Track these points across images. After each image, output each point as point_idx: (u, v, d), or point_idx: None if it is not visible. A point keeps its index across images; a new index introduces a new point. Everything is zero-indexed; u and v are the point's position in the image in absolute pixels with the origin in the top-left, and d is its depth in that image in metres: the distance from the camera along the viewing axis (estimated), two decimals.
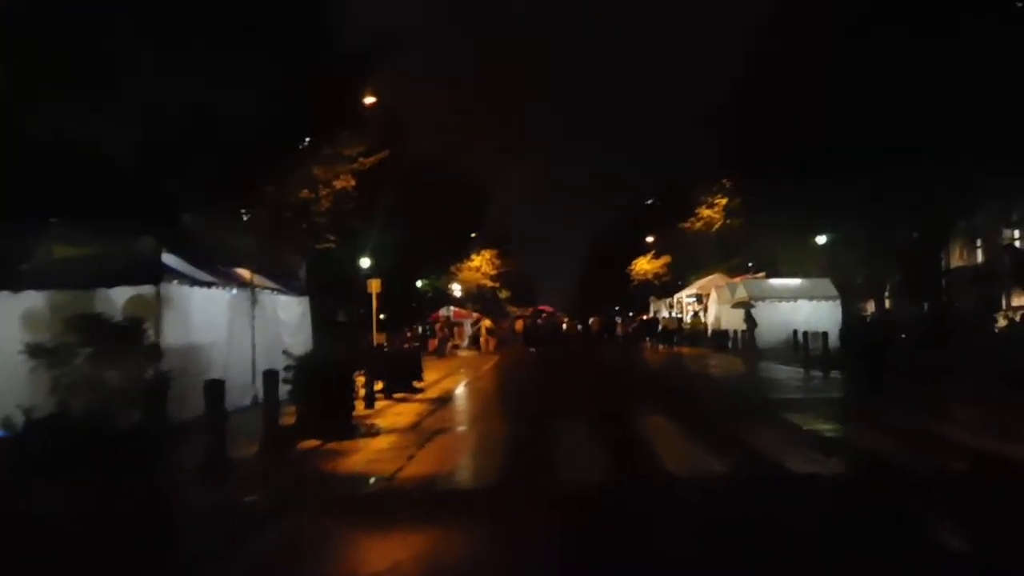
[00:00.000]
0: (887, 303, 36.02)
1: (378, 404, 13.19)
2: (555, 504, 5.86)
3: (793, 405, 11.91)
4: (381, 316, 39.74)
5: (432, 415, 11.96)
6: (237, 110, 13.71)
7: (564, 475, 6.97)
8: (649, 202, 64.81)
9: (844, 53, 23.64)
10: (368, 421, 11.05)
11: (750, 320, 33.88)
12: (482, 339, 36.50)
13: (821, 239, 33.18)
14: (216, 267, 13.74)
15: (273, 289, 14.98)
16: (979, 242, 35.02)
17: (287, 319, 15.29)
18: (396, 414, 12.05)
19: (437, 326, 34.83)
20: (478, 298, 63.09)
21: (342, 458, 8.40)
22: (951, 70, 21.64)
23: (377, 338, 29.48)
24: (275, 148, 16.93)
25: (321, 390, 10.37)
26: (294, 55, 14.97)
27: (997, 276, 32.91)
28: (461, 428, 10.27)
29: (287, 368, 10.61)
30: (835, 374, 16.45)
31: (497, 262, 62.17)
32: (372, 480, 7.25)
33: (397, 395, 14.69)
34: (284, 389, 10.35)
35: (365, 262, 31.91)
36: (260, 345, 13.65)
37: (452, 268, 54.14)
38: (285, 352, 11.12)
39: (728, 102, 32.99)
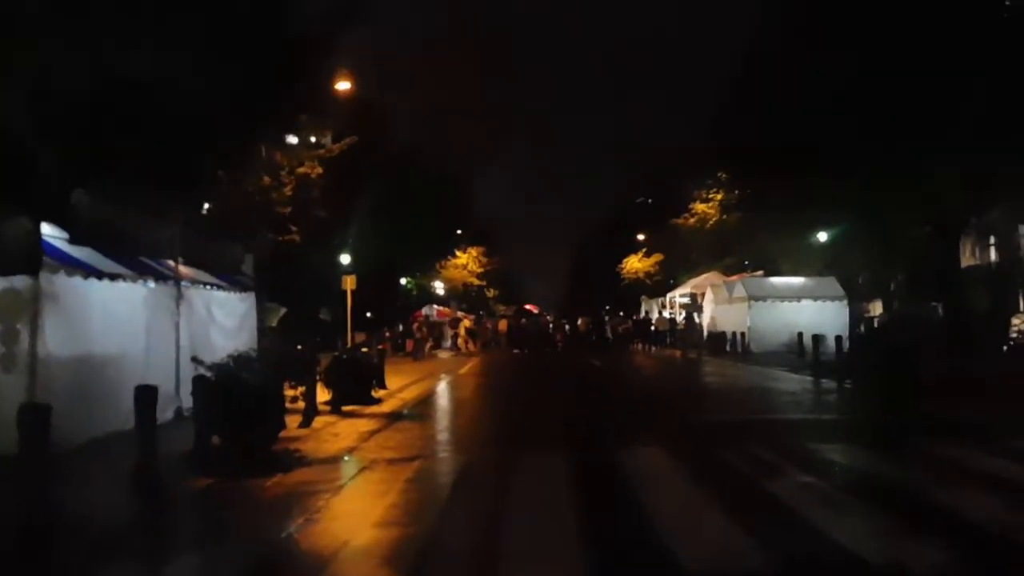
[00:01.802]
0: (892, 304, 34.33)
1: (319, 421, 11.16)
2: None
3: (818, 430, 9.91)
4: (368, 315, 38.05)
5: (374, 437, 9.92)
6: (163, 75, 11.71)
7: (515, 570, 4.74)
8: (640, 200, 63.01)
9: (854, 40, 22.08)
10: (293, 447, 9.02)
11: (690, 321, 32.04)
12: (460, 340, 34.45)
13: (823, 235, 31.50)
14: (136, 258, 11.71)
15: (207, 284, 12.94)
16: (992, 239, 33.34)
17: (224, 319, 13.24)
18: (333, 435, 10.02)
19: (415, 326, 32.72)
20: (464, 296, 61.21)
21: (226, 509, 6.40)
22: (964, 58, 20.15)
23: (357, 338, 27.59)
24: (218, 125, 14.92)
25: (229, 408, 8.36)
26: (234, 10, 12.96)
27: (1014, 276, 31.28)
28: (399, 461, 8.16)
29: (195, 381, 8.62)
30: (849, 384, 14.46)
31: (484, 260, 60.29)
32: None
33: (347, 408, 12.65)
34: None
35: (345, 258, 29.98)
36: (189, 349, 11.60)
37: (437, 266, 52.21)
38: (194, 359, 9.11)
39: (729, 91, 31.30)
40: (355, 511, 6.09)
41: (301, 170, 20.19)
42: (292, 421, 10.59)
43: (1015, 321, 26.67)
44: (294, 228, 20.35)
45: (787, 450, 8.19)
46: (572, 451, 8.45)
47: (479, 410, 14.37)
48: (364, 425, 10.98)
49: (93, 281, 9.71)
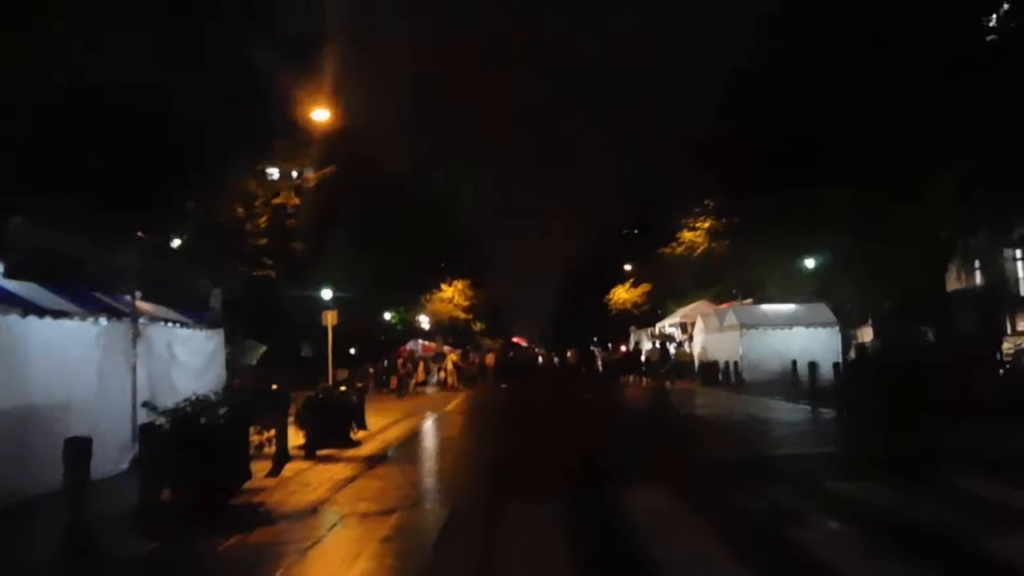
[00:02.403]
0: (881, 330, 33.72)
1: (291, 468, 10.19)
2: None
3: (832, 466, 9.08)
4: (352, 351, 37.00)
5: (350, 486, 8.96)
6: (121, 87, 10.88)
7: None
8: (626, 232, 62.59)
9: (845, 56, 21.78)
10: (258, 499, 8.07)
11: (664, 353, 31.42)
12: (445, 373, 33.38)
13: (811, 262, 30.95)
14: (87, 293, 10.80)
15: (169, 320, 12.01)
16: (977, 263, 32.94)
17: (188, 358, 12.31)
18: (304, 485, 9.04)
19: (399, 362, 31.68)
20: (451, 330, 60.21)
21: None
22: (950, 81, 19.88)
23: (339, 375, 26.59)
24: (184, 146, 14.10)
25: (183, 458, 7.43)
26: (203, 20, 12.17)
27: (1000, 299, 30.85)
28: (375, 515, 7.18)
29: (143, 429, 7.70)
30: (848, 413, 13.61)
31: (470, 293, 59.41)
32: None
33: (322, 452, 11.68)
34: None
35: (326, 293, 29.03)
36: (148, 392, 10.63)
37: (422, 299, 51.28)
38: (145, 404, 8.19)
39: (715, 117, 30.95)
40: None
41: (277, 200, 19.33)
42: (261, 468, 9.68)
43: (1006, 345, 26.10)
44: (269, 261, 19.40)
45: (805, 491, 7.35)
46: (568, 498, 7.55)
47: (465, 452, 13.36)
48: (340, 471, 10.01)
49: (33, 319, 8.78)
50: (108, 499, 8.06)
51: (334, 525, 6.82)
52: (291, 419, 12.65)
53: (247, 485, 8.60)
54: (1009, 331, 29.65)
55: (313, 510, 7.57)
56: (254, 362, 24.63)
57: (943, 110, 20.09)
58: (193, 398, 8.39)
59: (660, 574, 4.96)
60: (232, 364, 22.49)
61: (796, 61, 22.70)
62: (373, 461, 10.98)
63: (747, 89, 26.23)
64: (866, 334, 35.84)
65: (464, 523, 6.73)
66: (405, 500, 7.98)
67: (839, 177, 21.89)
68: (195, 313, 13.53)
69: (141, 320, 11.03)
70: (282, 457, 10.31)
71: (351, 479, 9.37)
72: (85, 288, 10.71)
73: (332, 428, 12.50)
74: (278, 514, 7.45)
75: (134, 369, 10.72)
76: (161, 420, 8.08)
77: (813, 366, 18.20)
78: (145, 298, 11.82)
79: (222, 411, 8.40)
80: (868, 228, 23.94)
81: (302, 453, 11.51)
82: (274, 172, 20.65)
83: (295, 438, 12.07)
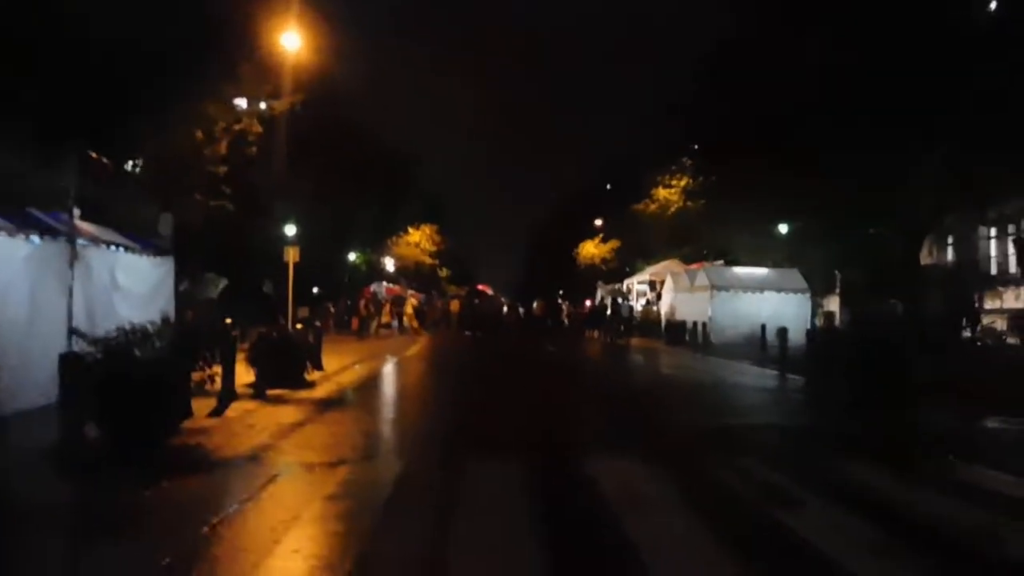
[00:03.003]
0: (849, 301, 33.71)
1: (236, 408, 9.50)
2: None
3: (817, 440, 8.62)
4: (315, 290, 36.06)
5: (298, 431, 8.32)
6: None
7: None
8: (600, 186, 61.84)
9: (826, 26, 21.19)
10: (196, 441, 7.40)
11: (615, 304, 31.07)
12: (406, 318, 32.64)
13: (783, 228, 30.64)
14: (20, 208, 9.87)
15: (112, 244, 11.12)
16: (950, 239, 32.90)
17: (133, 286, 11.43)
18: (248, 427, 8.38)
19: (361, 303, 30.88)
20: (416, 275, 59.31)
21: (73, 534, 4.80)
22: (936, 46, 19.38)
23: (301, 313, 25.83)
24: (137, 62, 13.06)
25: (112, 393, 6.73)
26: None
27: (972, 276, 30.89)
28: (321, 467, 6.52)
29: (63, 358, 6.95)
30: (821, 384, 13.24)
31: (437, 239, 58.46)
32: None
33: (273, 392, 11.01)
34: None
35: (290, 229, 28.00)
36: (87, 320, 9.82)
37: (388, 242, 50.25)
38: (73, 331, 7.45)
39: (703, 70, 30.21)
40: (247, 547, 4.51)
41: (239, 126, 18.22)
42: (204, 407, 9.01)
43: (985, 321, 26.16)
44: (227, 190, 18.35)
45: (790, 467, 6.86)
46: (534, 459, 6.99)
47: (424, 399, 12.77)
48: (288, 414, 9.35)
49: None
50: (30, 435, 7.36)
51: (275, 476, 6.17)
52: (244, 356, 11.99)
53: (187, 424, 7.94)
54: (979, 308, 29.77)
55: (254, 457, 6.90)
56: (215, 296, 23.85)
57: (932, 81, 19.61)
58: (129, 328, 7.65)
59: (635, 549, 4.41)
60: (189, 297, 21.69)
61: (783, 26, 22.09)
62: (326, 405, 10.32)
63: (731, 59, 25.61)
64: (831, 303, 35.86)
65: (418, 483, 6.13)
66: (355, 452, 7.34)
67: (820, 151, 21.45)
68: (144, 239, 12.63)
69: (80, 241, 10.13)
70: (227, 396, 9.62)
71: (300, 424, 8.72)
72: (17, 203, 9.77)
73: (285, 368, 11.82)
74: (215, 459, 6.78)
75: (71, 293, 9.87)
76: (90, 349, 7.35)
77: (784, 332, 17.88)
78: (90, 220, 10.93)
79: (159, 343, 7.69)
80: (846, 201, 23.58)
81: (251, 392, 10.83)
82: (241, 103, 19.52)
83: (246, 376, 11.40)
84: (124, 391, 6.87)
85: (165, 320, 8.18)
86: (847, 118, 20.69)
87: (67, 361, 6.75)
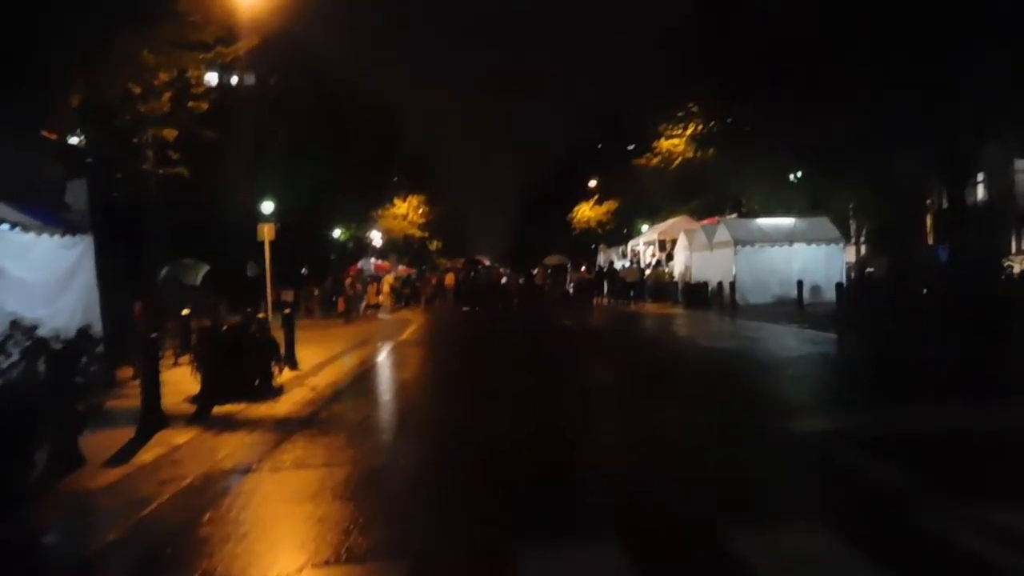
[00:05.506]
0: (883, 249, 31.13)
1: (165, 439, 6.69)
2: None
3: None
4: (302, 271, 33.29)
5: (241, 485, 5.48)
6: None
7: None
8: (593, 144, 58.69)
9: None
10: (56, 513, 4.60)
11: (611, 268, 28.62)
12: (381, 296, 29.56)
13: (804, 173, 27.90)
14: None
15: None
16: (981, 176, 30.24)
17: (25, 273, 8.54)
18: (162, 483, 5.50)
19: (347, 282, 27.97)
20: (405, 249, 56.42)
21: None
22: None
23: (285, 295, 23.19)
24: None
25: None
26: None
27: (1007, 215, 28.37)
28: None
29: None
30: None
31: (426, 209, 55.42)
32: None
33: (222, 409, 8.17)
34: None
35: (267, 206, 25.17)
36: None
37: (374, 214, 47.24)
38: None
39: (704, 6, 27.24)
40: None
41: (194, 72, 15.04)
42: (118, 440, 6.24)
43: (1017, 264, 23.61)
44: (175, 155, 15.31)
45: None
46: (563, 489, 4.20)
47: (433, 413, 8.99)
48: (233, 452, 6.48)
49: None
50: None
51: None
52: (188, 359, 9.26)
53: (71, 481, 5.15)
54: (1014, 250, 27.39)
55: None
56: (197, 282, 21.34)
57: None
58: None
59: None
60: (173, 284, 19.00)
61: None
62: (291, 429, 7.36)
63: None
64: (849, 253, 33.28)
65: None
66: (328, 533, 4.46)
67: (853, 79, 18.65)
68: (52, 215, 9.73)
69: None
70: (148, 424, 6.81)
71: (243, 471, 5.82)
72: None
73: (241, 372, 8.96)
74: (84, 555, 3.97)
75: None
76: None
77: (843, 289, 15.18)
78: None
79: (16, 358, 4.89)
80: (872, 138, 20.80)
81: (193, 409, 8.03)
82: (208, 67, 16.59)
83: (191, 385, 8.62)
84: None
85: (32, 329, 5.34)
86: (880, 43, 17.96)
87: None
